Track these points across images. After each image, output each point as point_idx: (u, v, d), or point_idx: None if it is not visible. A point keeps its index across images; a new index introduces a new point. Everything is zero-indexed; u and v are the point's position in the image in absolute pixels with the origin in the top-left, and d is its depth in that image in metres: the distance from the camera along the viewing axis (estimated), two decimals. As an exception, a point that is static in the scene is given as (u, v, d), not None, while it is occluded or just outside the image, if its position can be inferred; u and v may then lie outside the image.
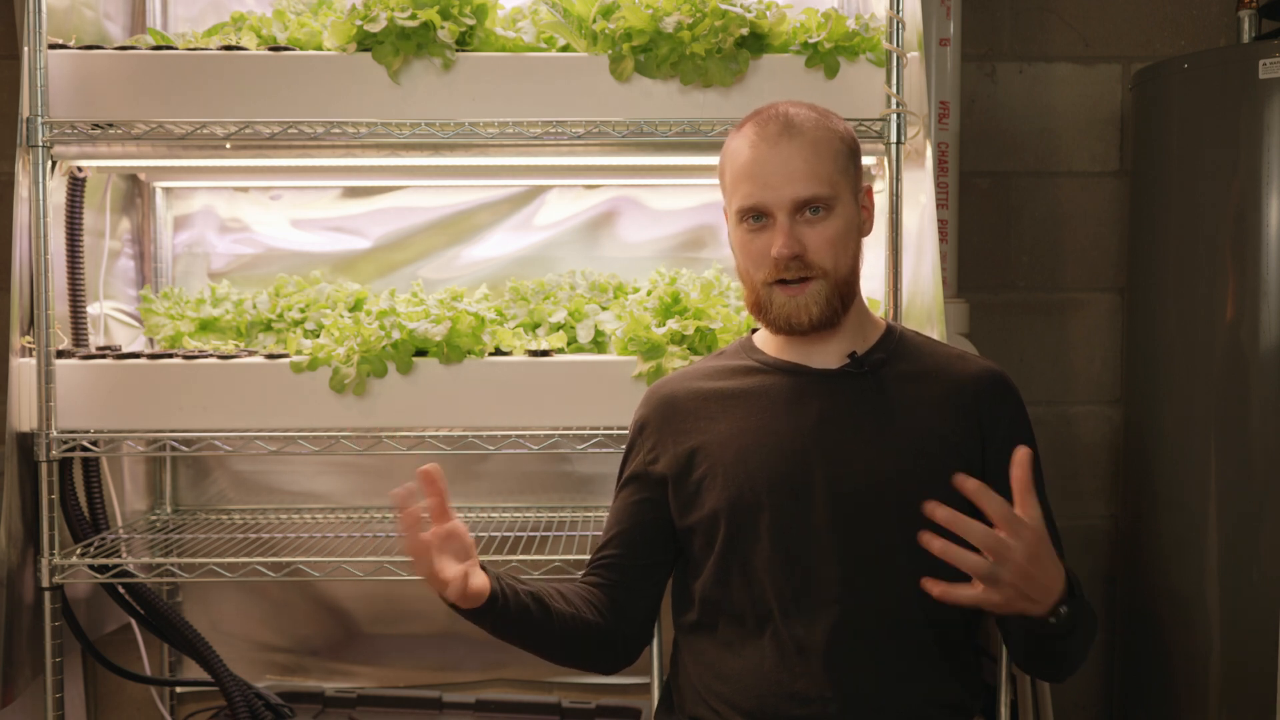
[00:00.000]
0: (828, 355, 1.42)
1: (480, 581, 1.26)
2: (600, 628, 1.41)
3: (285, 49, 1.87)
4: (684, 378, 1.49)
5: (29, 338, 1.85)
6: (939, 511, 1.13)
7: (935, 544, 1.14)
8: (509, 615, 1.31)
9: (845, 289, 1.38)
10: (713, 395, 1.44)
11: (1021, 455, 1.17)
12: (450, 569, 1.23)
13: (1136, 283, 2.35)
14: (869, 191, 1.46)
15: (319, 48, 1.89)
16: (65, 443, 1.84)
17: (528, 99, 1.85)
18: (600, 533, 1.51)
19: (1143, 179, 2.31)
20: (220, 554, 1.91)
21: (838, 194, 1.36)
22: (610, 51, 1.84)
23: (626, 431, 1.52)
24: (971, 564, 1.14)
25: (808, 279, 1.35)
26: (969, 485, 1.14)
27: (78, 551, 1.90)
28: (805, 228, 1.35)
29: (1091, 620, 1.30)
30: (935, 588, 1.15)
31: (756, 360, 1.46)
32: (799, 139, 1.36)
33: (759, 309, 1.40)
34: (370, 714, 2.20)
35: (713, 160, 1.82)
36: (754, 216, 1.37)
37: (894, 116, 1.83)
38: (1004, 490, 1.39)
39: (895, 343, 1.44)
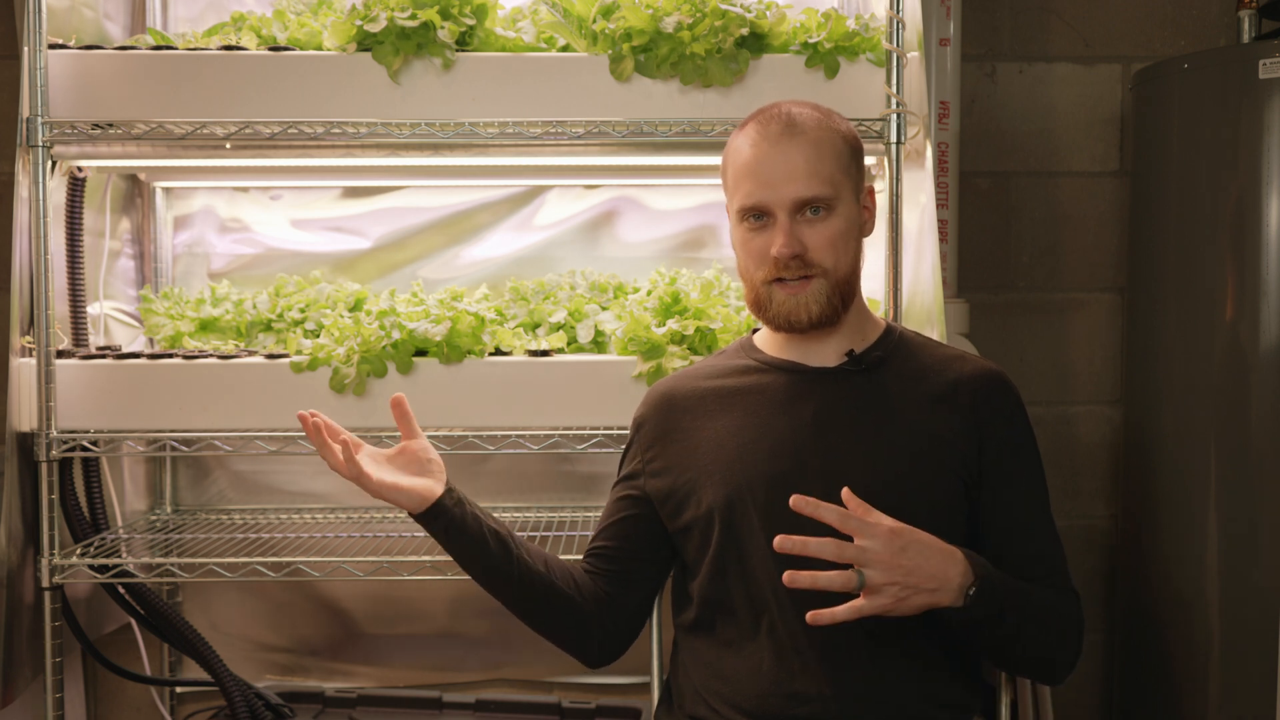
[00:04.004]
0: (826, 354, 1.42)
1: (404, 481, 1.33)
2: (578, 608, 1.42)
3: (285, 49, 1.87)
4: (684, 377, 1.50)
5: (29, 338, 1.85)
6: (784, 543, 1.16)
7: (802, 578, 1.16)
8: (458, 529, 1.35)
9: (845, 288, 1.38)
10: (711, 394, 1.45)
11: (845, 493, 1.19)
12: (337, 455, 1.30)
13: (1136, 283, 2.34)
14: (871, 192, 1.46)
15: (319, 48, 1.89)
16: (65, 443, 1.84)
17: (528, 99, 1.85)
18: (600, 532, 1.52)
19: (1143, 179, 2.31)
20: (220, 554, 1.91)
21: (839, 194, 1.36)
22: (610, 51, 1.84)
23: (627, 431, 1.53)
24: (841, 581, 1.16)
25: (808, 277, 1.36)
26: (792, 502, 1.17)
27: (78, 551, 1.90)
28: (806, 227, 1.35)
29: (1037, 604, 1.31)
30: (812, 617, 1.16)
31: (755, 359, 1.46)
32: (801, 138, 1.36)
33: (759, 307, 1.40)
34: (370, 714, 2.20)
35: (713, 160, 1.82)
36: (755, 215, 1.37)
37: (894, 116, 1.83)
38: (1000, 491, 1.39)
39: (894, 342, 1.44)
